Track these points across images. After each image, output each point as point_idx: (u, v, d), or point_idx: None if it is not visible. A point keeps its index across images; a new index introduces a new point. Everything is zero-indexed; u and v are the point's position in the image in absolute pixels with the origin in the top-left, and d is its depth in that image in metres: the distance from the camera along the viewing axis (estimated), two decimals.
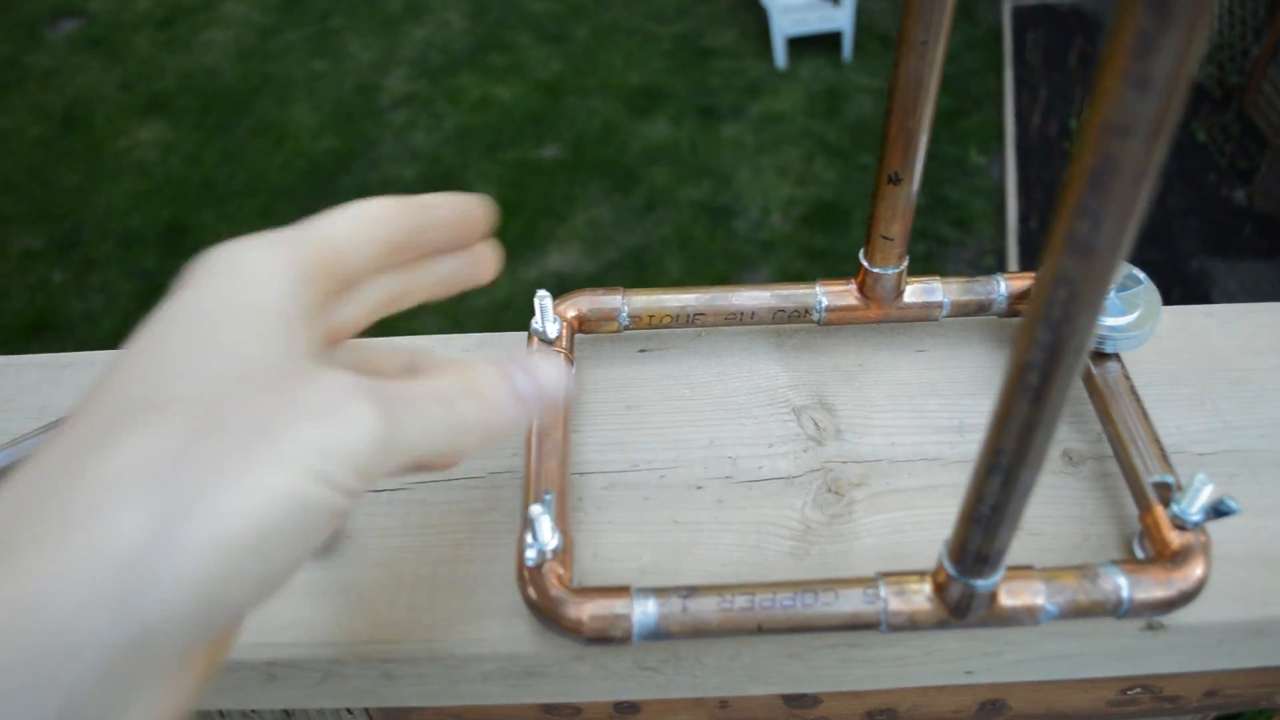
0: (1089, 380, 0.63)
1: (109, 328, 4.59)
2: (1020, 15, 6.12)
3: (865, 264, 0.63)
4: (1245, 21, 5.27)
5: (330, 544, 0.57)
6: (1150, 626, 0.57)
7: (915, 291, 0.65)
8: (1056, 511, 0.60)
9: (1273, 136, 4.81)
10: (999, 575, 0.50)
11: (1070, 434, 0.63)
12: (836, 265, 4.83)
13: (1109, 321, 0.61)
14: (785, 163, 5.39)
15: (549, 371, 0.39)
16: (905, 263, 0.63)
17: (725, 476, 0.60)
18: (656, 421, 0.63)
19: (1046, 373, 0.38)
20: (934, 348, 0.68)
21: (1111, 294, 0.62)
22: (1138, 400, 0.60)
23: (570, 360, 0.62)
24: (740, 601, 0.50)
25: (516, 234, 4.97)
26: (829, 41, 5.95)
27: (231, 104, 5.91)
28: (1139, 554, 0.58)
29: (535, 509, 0.51)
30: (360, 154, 5.46)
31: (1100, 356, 0.63)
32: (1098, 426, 0.63)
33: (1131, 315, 0.62)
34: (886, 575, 0.52)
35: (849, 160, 5.37)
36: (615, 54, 6.08)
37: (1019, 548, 0.58)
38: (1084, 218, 0.31)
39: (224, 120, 5.78)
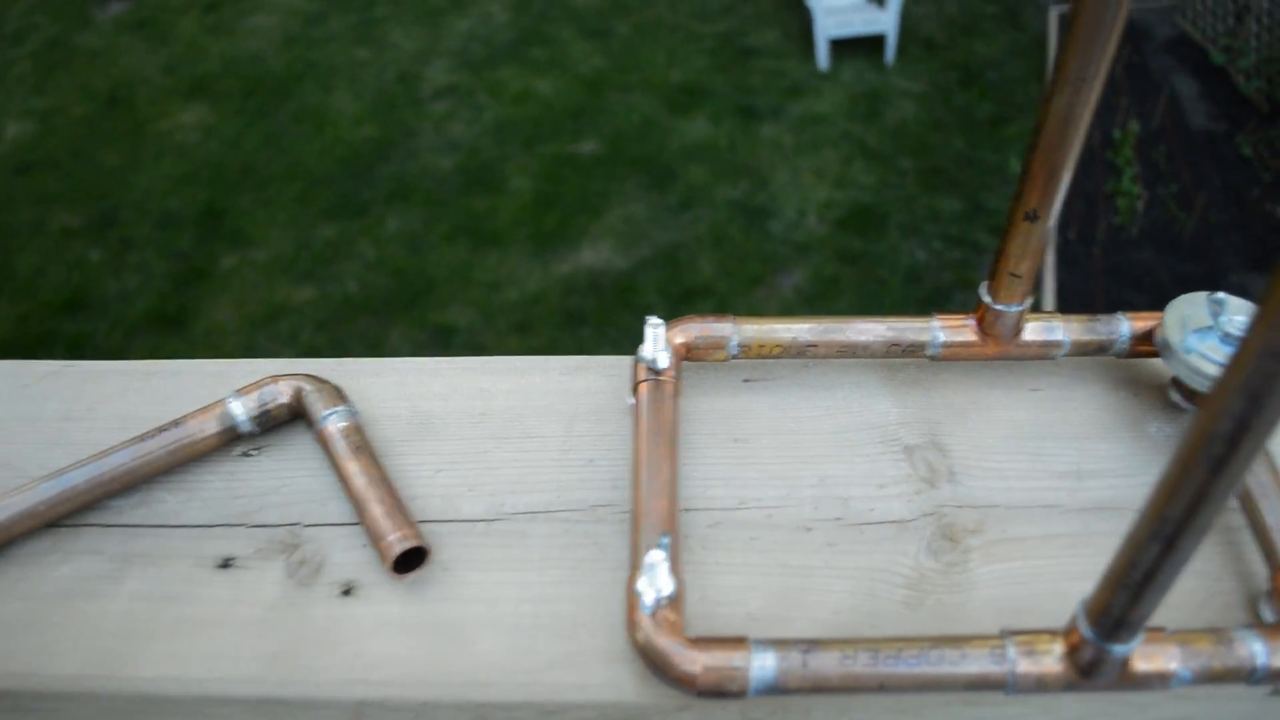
0: None
1: (144, 307, 4.62)
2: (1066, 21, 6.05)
3: (988, 300, 0.61)
4: None
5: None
6: (1276, 692, 0.55)
7: (1035, 330, 0.62)
8: None
9: None
10: (1138, 641, 0.48)
11: None
12: (871, 269, 4.79)
13: None
14: (823, 165, 5.35)
15: None
16: (1029, 301, 0.60)
17: (836, 518, 0.58)
18: (764, 456, 0.61)
19: (1235, 443, 0.36)
20: (1049, 387, 0.65)
21: (1218, 333, 0.59)
22: (1265, 452, 0.58)
23: (678, 390, 0.60)
24: (863, 658, 0.48)
25: (551, 228, 4.96)
26: (872, 44, 5.90)
27: (274, 89, 5.92)
28: (1267, 616, 0.55)
29: (655, 555, 0.49)
30: (399, 143, 5.46)
31: None
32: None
33: None
34: (1014, 634, 0.50)
35: (888, 164, 5.32)
36: (657, 50, 6.05)
37: None
38: None
39: (265, 105, 5.79)
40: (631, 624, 0.50)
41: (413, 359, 0.67)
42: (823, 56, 5.80)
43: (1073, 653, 0.48)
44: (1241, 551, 0.58)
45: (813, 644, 0.48)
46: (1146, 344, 0.64)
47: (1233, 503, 0.60)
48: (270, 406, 0.62)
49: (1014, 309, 0.60)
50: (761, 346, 0.62)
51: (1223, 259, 4.68)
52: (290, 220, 5.06)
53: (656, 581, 0.49)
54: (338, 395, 0.62)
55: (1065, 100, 0.50)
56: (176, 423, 0.61)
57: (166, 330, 4.57)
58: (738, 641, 0.49)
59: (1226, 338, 0.59)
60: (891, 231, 4.99)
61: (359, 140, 5.50)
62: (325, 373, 0.65)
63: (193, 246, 4.91)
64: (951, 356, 0.63)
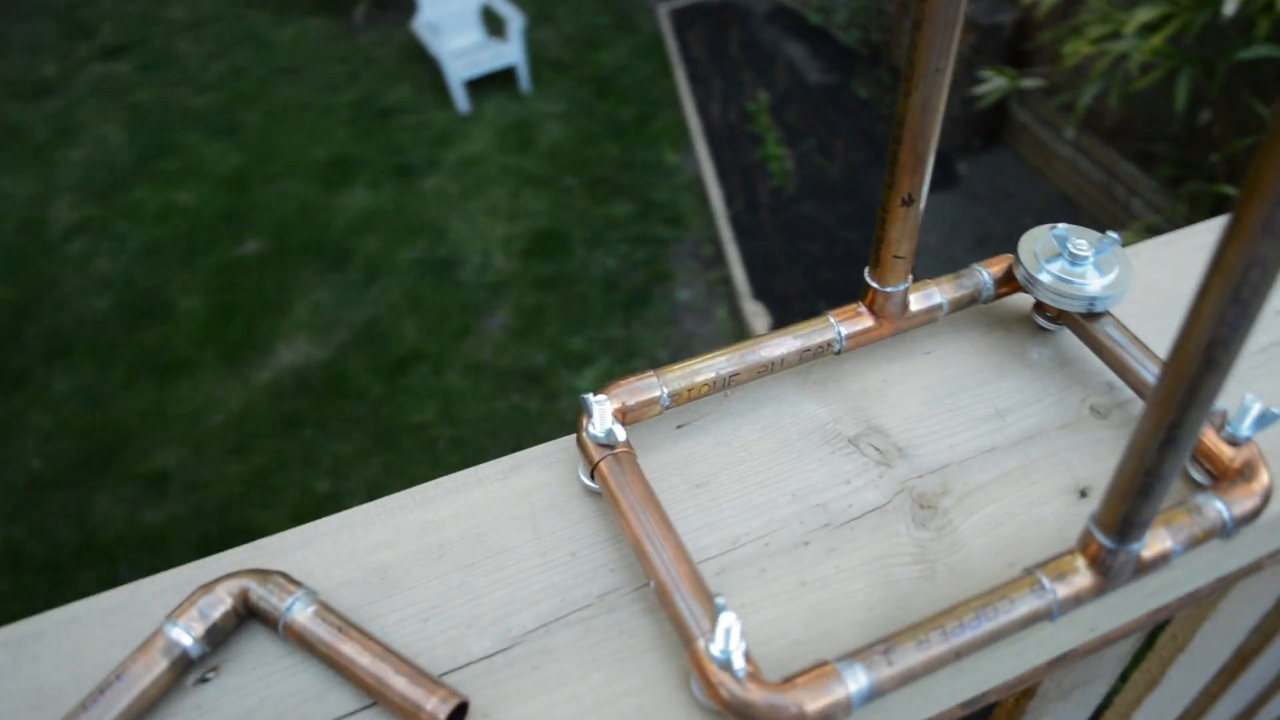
0: (1093, 340, 0.67)
1: None
2: (678, 17, 6.43)
3: (875, 285, 0.65)
4: None
5: None
6: (1230, 535, 0.62)
7: (917, 300, 0.67)
8: (1109, 465, 0.64)
9: None
10: (1147, 535, 0.53)
11: (1088, 391, 0.68)
12: (569, 288, 4.89)
13: (1101, 282, 0.66)
14: (493, 203, 5.40)
15: None
16: (911, 277, 0.65)
17: (824, 525, 0.60)
18: (730, 492, 0.62)
19: (1230, 347, 0.41)
20: (938, 348, 0.70)
21: (1090, 257, 0.67)
22: (1144, 346, 0.65)
23: (632, 453, 0.60)
24: (934, 637, 0.50)
25: (237, 339, 4.70)
26: (505, 77, 6.01)
27: None
28: (1196, 478, 0.62)
29: (727, 618, 0.49)
30: (42, 297, 4.98)
31: (1091, 317, 0.67)
32: (1109, 379, 0.68)
33: (1112, 275, 0.67)
34: (1039, 567, 0.54)
35: (554, 186, 5.46)
36: (294, 133, 5.87)
37: (1094, 505, 0.61)
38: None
39: None
40: (713, 689, 0.49)
41: (338, 515, 0.62)
42: (461, 100, 5.85)
43: (1094, 563, 0.53)
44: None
45: (887, 643, 0.50)
46: (1006, 285, 0.70)
47: (1125, 395, 0.67)
48: (216, 618, 0.56)
49: (901, 287, 0.65)
50: (690, 390, 0.63)
51: (870, 193, 5.15)
52: None
53: (733, 641, 0.49)
54: (288, 581, 0.57)
55: (923, 93, 0.54)
56: (118, 674, 0.53)
57: None
58: (822, 668, 0.49)
59: (1075, 259, 0.67)
60: (576, 248, 5.12)
61: None
62: (247, 562, 0.60)
63: None
64: (854, 345, 0.67)
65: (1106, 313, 0.68)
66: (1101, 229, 4.78)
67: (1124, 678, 1.00)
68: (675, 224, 5.19)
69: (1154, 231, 4.30)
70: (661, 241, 5.11)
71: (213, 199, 5.49)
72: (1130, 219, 4.65)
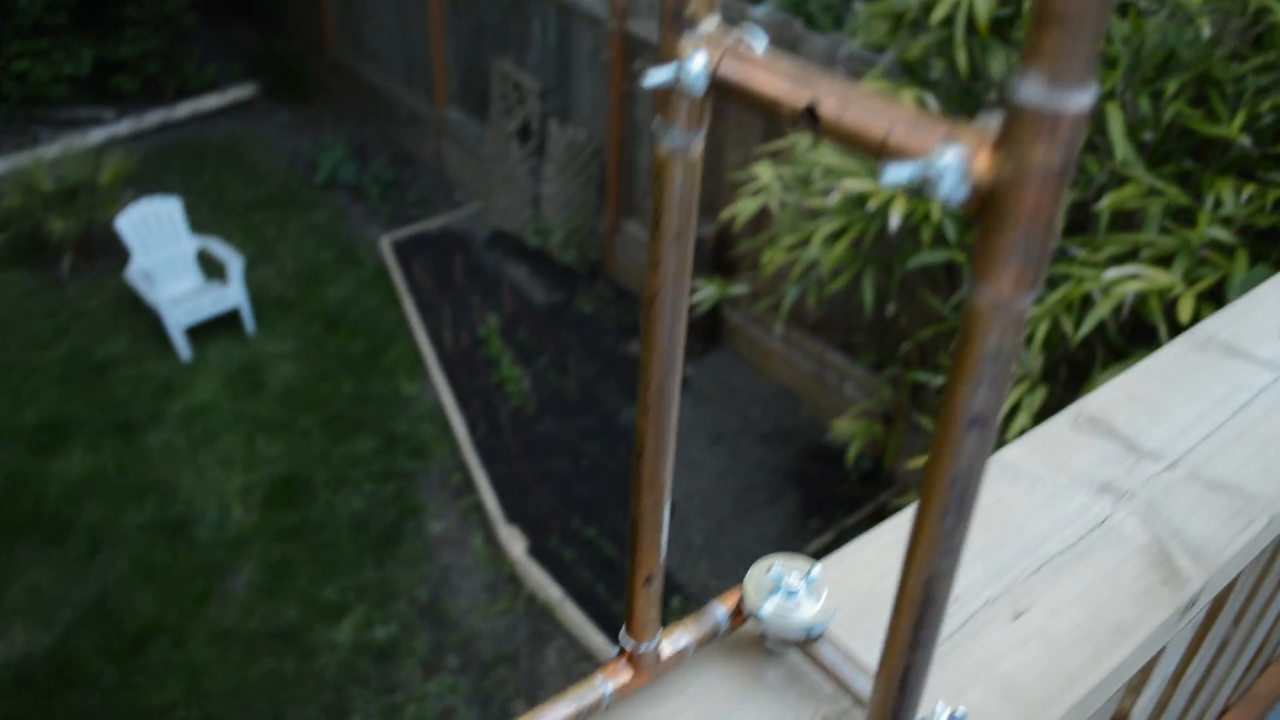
0: (815, 658, 0.77)
1: None
2: (400, 248, 6.59)
3: (632, 644, 0.73)
4: (585, 207, 6.20)
5: None
6: None
7: (669, 645, 0.76)
8: None
9: (640, 291, 5.67)
10: None
11: (819, 704, 0.77)
12: (315, 535, 4.76)
13: (814, 609, 0.77)
14: (226, 453, 5.22)
15: None
16: (661, 630, 0.73)
17: None
18: None
19: (928, 650, 0.50)
20: (690, 684, 0.79)
21: (802, 588, 0.78)
22: (855, 661, 0.76)
23: None
24: None
25: None
26: (228, 320, 5.91)
27: None
28: None
29: None
30: None
31: (811, 642, 0.78)
32: (836, 691, 0.78)
33: (823, 598, 0.78)
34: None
35: (290, 428, 5.35)
36: None
37: None
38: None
39: None
40: None
41: None
42: (183, 348, 5.69)
43: None
44: None
45: None
46: (738, 617, 0.80)
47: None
48: None
49: (655, 642, 0.73)
50: None
51: (607, 404, 5.37)
52: None
53: None
54: None
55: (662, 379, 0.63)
56: None
57: None
58: None
59: (789, 591, 0.78)
60: (320, 492, 5.01)
61: None
62: None
63: None
64: (620, 699, 0.74)
65: (821, 636, 0.78)
66: (822, 416, 5.20)
67: None
68: (420, 455, 5.19)
69: (870, 415, 4.72)
70: (408, 474, 5.09)
71: None
72: (845, 403, 5.08)
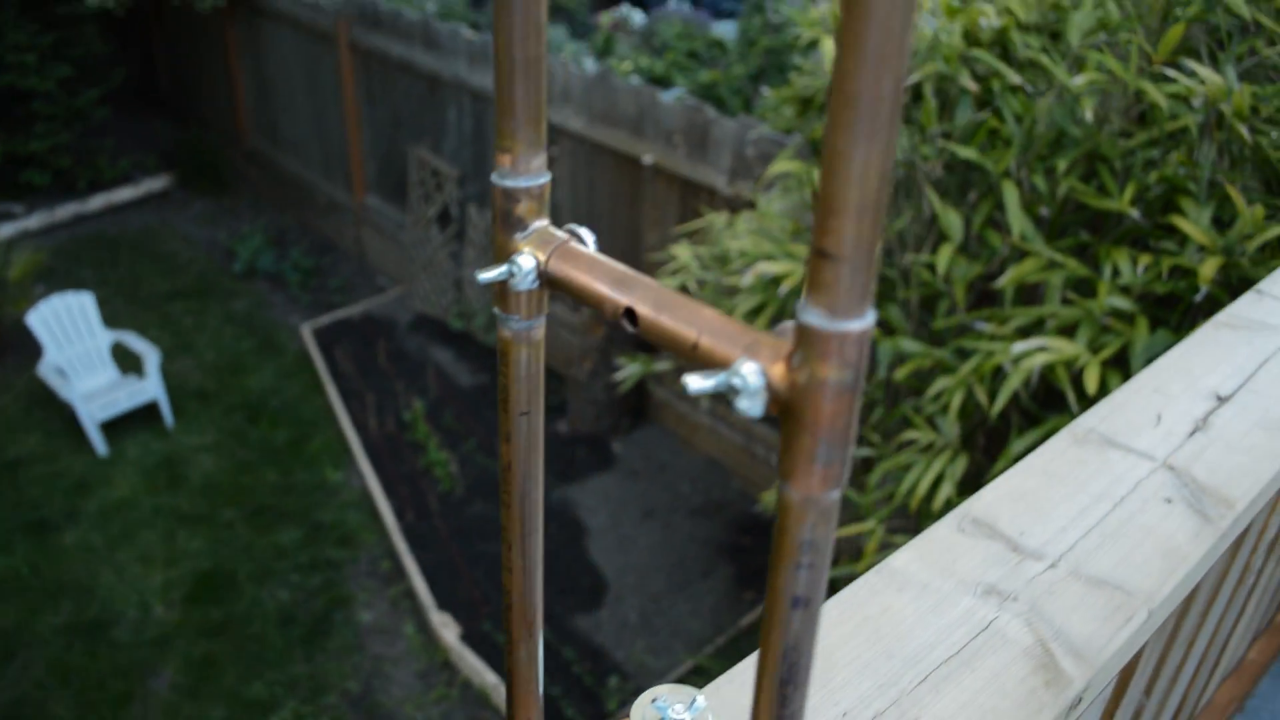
0: None
1: None
2: (322, 335, 6.53)
3: None
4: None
5: None
6: None
7: None
8: None
9: (566, 371, 5.68)
10: None
11: None
12: (242, 630, 4.63)
13: None
14: (146, 550, 5.08)
15: None
16: None
17: None
18: None
19: (797, 683, 0.49)
20: None
21: (687, 717, 0.78)
22: None
23: None
24: None
25: None
26: (146, 413, 5.79)
27: None
28: None
29: None
30: None
31: None
32: None
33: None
34: None
35: (212, 521, 5.23)
36: None
37: None
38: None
39: None
40: None
41: None
42: (99, 442, 5.55)
43: None
44: None
45: None
46: None
47: None
48: None
49: None
50: None
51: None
52: None
53: None
54: None
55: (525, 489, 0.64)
56: None
57: None
58: None
59: None
60: (244, 585, 4.88)
61: None
62: None
63: None
64: None
65: None
66: (752, 488, 5.23)
67: None
68: (347, 544, 5.10)
69: None
70: (335, 564, 4.99)
71: None
72: (774, 474, 5.12)
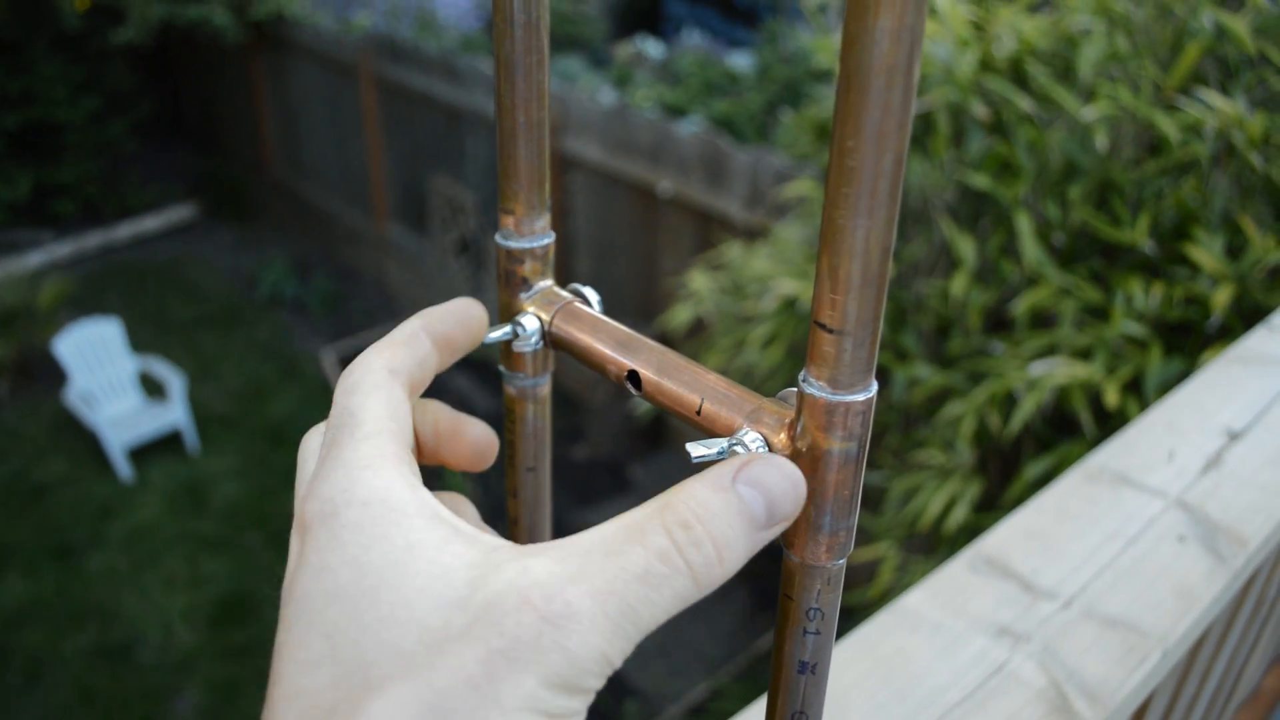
0: None
1: None
2: (344, 361, 6.57)
3: None
4: None
5: None
6: None
7: None
8: None
9: (584, 396, 5.69)
10: None
11: None
12: (265, 656, 4.64)
13: None
14: (170, 573, 5.11)
15: (779, 486, 0.33)
16: None
17: None
18: None
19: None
20: None
21: None
22: None
23: None
24: None
25: None
26: (170, 439, 5.84)
27: None
28: None
29: None
30: None
31: None
32: None
33: None
34: None
35: (235, 546, 5.26)
36: None
37: None
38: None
39: None
40: None
41: None
42: (123, 468, 5.60)
43: None
44: None
45: None
46: None
47: None
48: None
49: None
50: None
51: (556, 505, 5.33)
52: None
53: None
54: None
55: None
56: None
57: None
58: None
59: None
60: (266, 609, 4.90)
61: None
62: None
63: None
64: None
65: None
66: None
67: None
68: None
69: None
70: None
71: None
72: None
